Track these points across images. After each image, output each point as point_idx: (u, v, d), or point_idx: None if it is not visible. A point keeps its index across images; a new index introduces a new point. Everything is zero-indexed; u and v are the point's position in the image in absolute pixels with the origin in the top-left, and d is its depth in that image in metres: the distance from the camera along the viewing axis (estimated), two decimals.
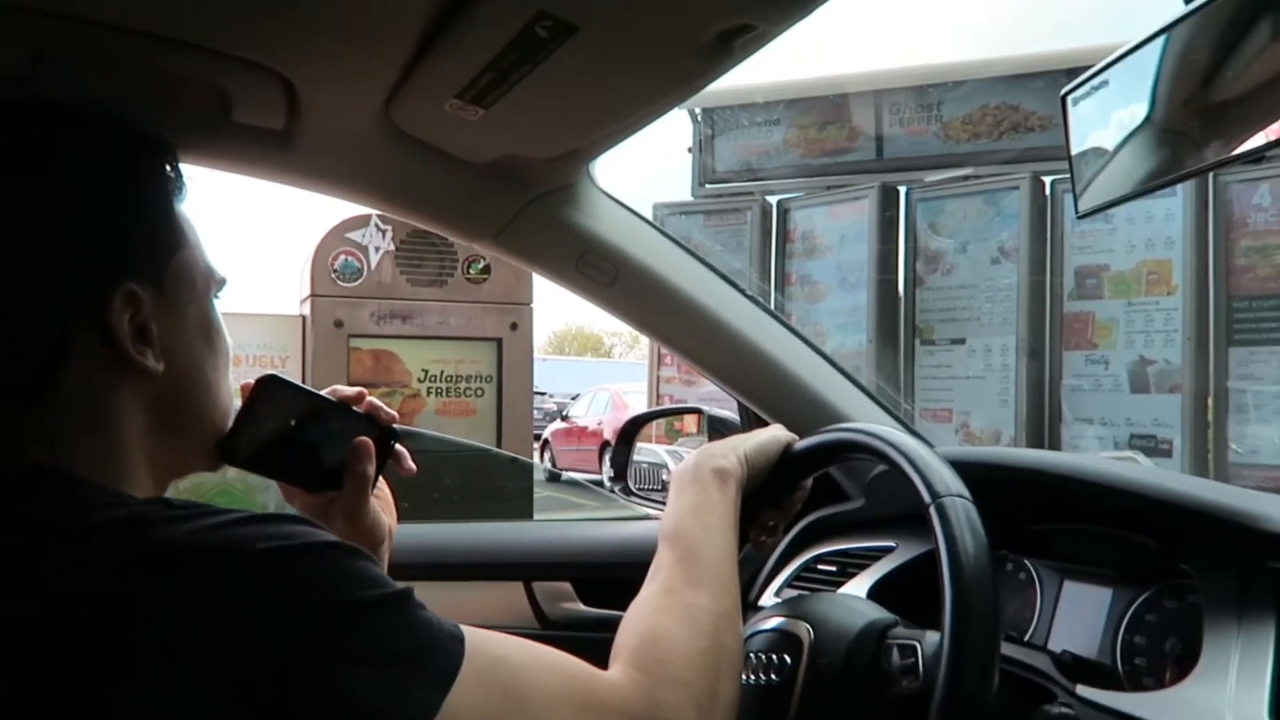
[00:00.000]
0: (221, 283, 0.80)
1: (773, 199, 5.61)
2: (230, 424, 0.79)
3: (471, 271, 3.17)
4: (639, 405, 12.43)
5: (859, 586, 1.24)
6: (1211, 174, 4.49)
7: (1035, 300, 4.79)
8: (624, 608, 1.39)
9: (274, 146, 0.97)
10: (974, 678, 0.71)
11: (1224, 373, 4.40)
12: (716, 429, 1.56)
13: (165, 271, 0.73)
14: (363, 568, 0.63)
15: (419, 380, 3.12)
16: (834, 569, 1.30)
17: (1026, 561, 1.14)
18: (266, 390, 0.83)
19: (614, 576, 1.36)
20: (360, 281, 3.06)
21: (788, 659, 0.87)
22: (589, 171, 1.14)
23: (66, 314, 0.68)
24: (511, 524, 1.44)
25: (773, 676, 0.88)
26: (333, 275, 3.04)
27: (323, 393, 0.88)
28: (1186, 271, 4.44)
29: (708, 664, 0.74)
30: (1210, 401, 4.40)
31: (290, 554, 0.61)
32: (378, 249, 3.04)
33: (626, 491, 1.66)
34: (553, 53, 0.77)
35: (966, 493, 0.80)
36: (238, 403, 0.81)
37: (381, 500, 0.96)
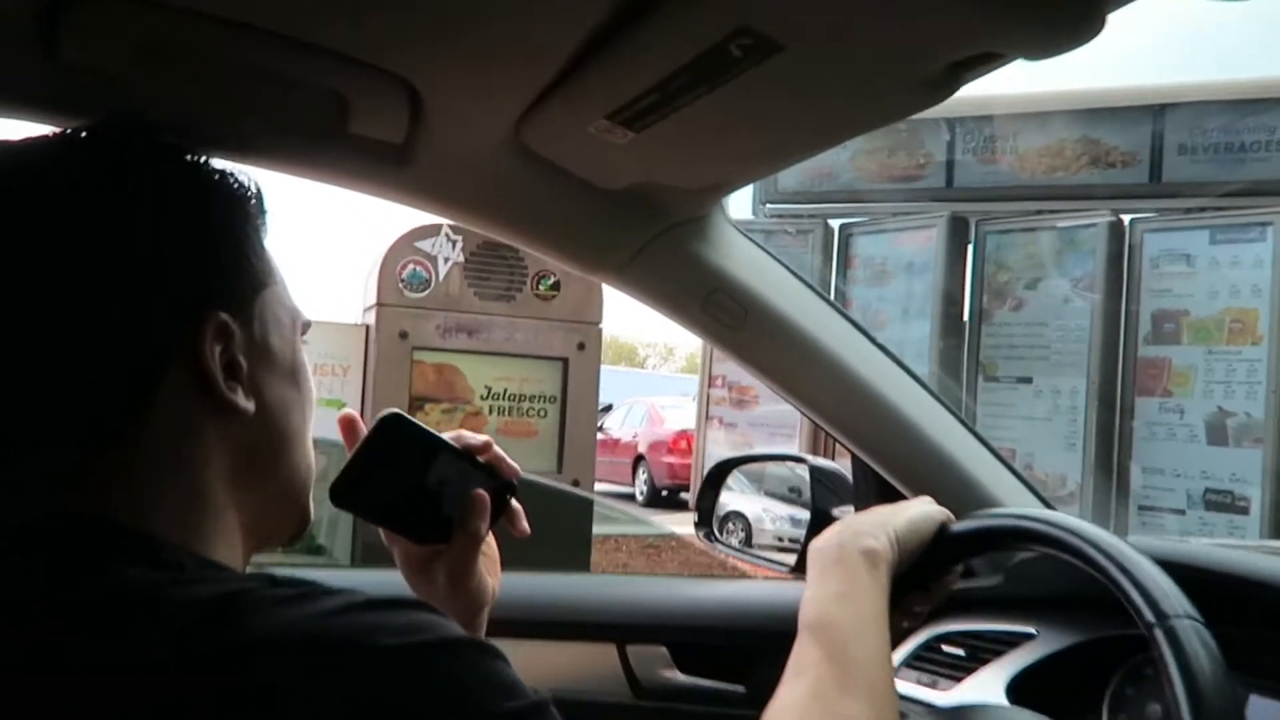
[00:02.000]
0: (306, 325, 0.73)
1: (835, 223, 5.48)
2: (312, 477, 0.71)
3: (541, 288, 3.07)
4: (677, 420, 12.43)
5: (995, 678, 1.11)
6: None
7: (1108, 342, 4.61)
8: (722, 676, 1.29)
9: (391, 161, 0.87)
10: None
11: None
12: (822, 483, 1.43)
13: (253, 306, 0.66)
14: (501, 672, 0.55)
15: (481, 398, 3.01)
16: (963, 653, 1.17)
17: None
18: (388, 429, 0.76)
19: (713, 644, 1.25)
20: (428, 293, 2.97)
21: None
22: (723, 204, 1.03)
23: (163, 340, 0.61)
24: (604, 578, 1.33)
25: None
26: (400, 285, 2.95)
27: (446, 437, 0.81)
28: (1274, 321, 4.24)
29: None
30: None
31: (426, 651, 0.53)
32: (447, 260, 2.94)
33: (711, 539, 1.55)
34: (740, 74, 0.66)
35: (1197, 614, 0.68)
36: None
37: (488, 559, 0.87)
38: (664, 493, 11.64)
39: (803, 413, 1.16)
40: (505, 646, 0.97)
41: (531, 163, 0.89)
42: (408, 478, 0.77)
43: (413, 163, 0.87)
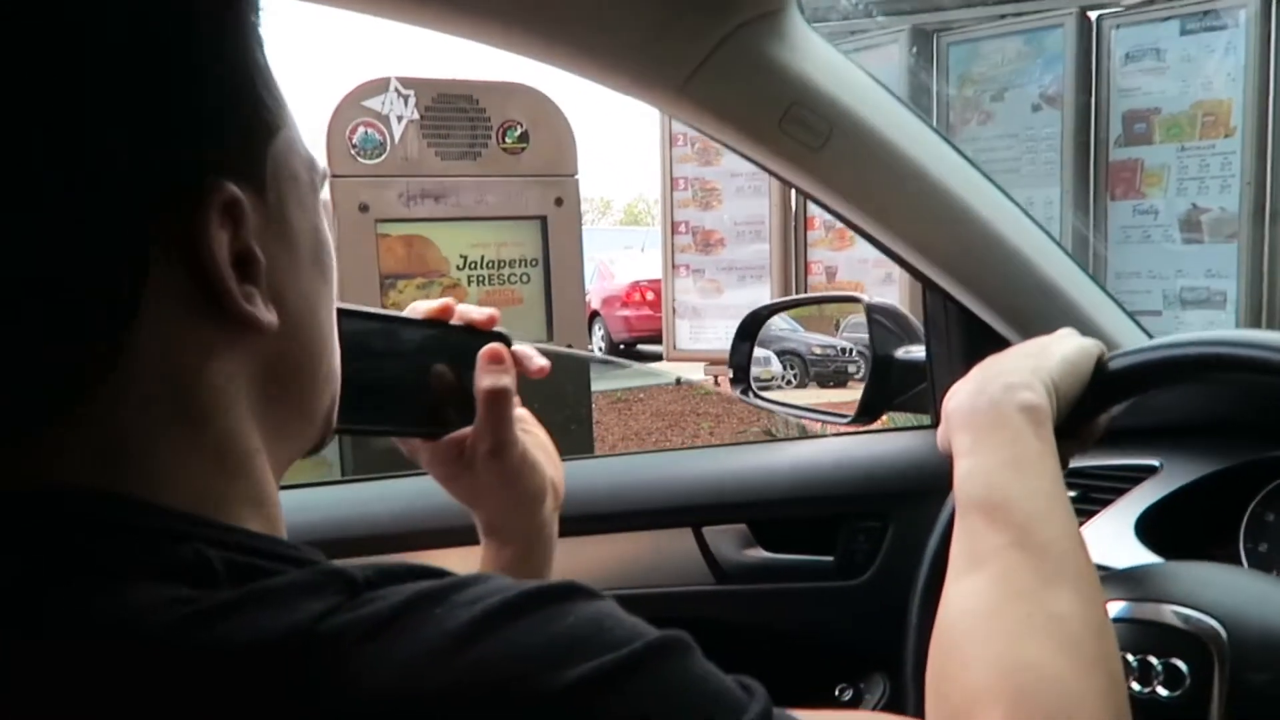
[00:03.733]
0: (324, 176, 0.53)
1: None
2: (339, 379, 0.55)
3: (508, 140, 2.78)
4: (626, 274, 12.26)
5: (1122, 518, 1.00)
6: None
7: (1080, 148, 4.48)
8: (806, 550, 1.18)
9: None
10: None
11: None
12: (882, 324, 1.29)
13: (265, 164, 0.46)
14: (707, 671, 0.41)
15: (458, 268, 2.76)
16: (1075, 494, 1.06)
17: None
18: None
19: (794, 515, 1.13)
20: (384, 157, 2.65)
21: (1184, 668, 0.63)
22: None
23: (140, 232, 0.41)
24: (669, 454, 1.19)
25: (1161, 691, 0.64)
26: (352, 151, 2.63)
27: (401, 314, 0.68)
28: (1247, 110, 4.13)
29: (1112, 714, 0.49)
30: (1267, 249, 4.17)
31: (624, 676, 0.38)
32: (400, 118, 2.62)
33: (749, 393, 1.42)
34: None
35: None
36: None
37: (540, 447, 0.72)
38: (622, 346, 11.60)
39: (887, 246, 1.00)
40: (573, 545, 0.83)
41: None
42: (385, 371, 0.65)
43: None
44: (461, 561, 0.91)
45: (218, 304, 0.42)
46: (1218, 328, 4.29)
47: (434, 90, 2.74)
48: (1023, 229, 1.00)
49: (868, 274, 4.67)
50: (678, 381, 6.78)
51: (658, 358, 6.92)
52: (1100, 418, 0.78)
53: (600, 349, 11.89)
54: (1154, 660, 0.65)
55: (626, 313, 11.62)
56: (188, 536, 0.40)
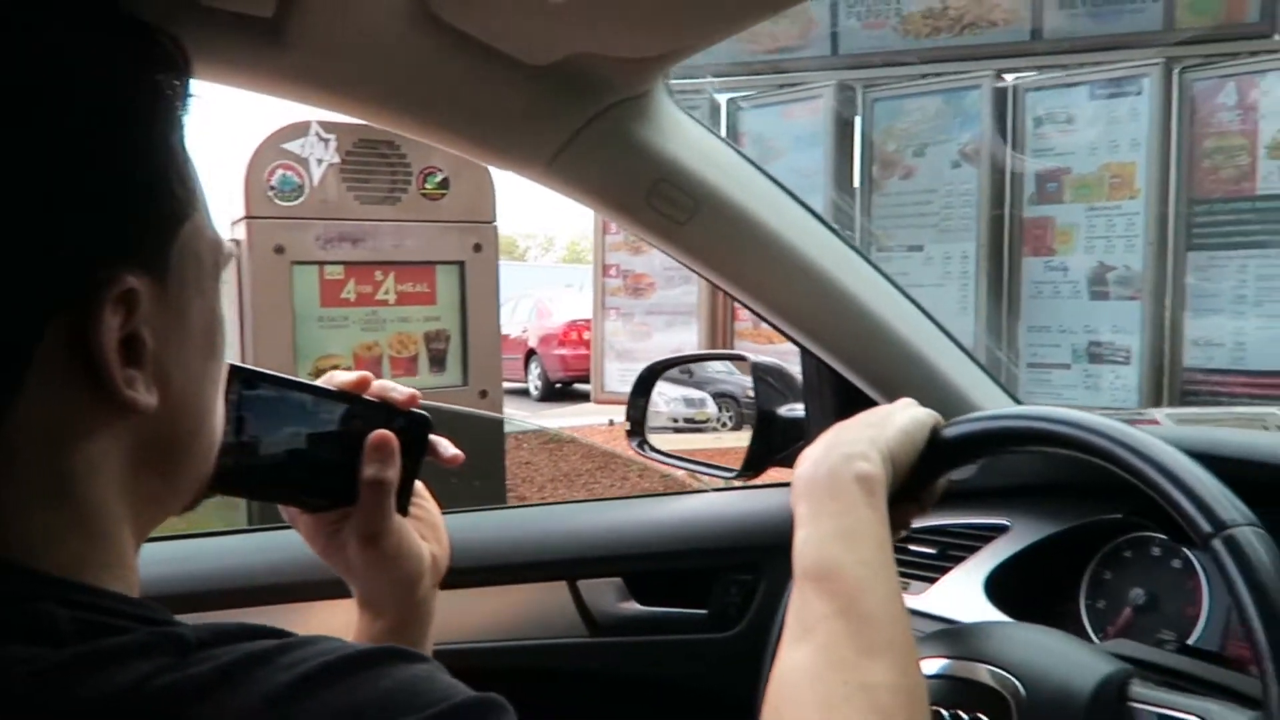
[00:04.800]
0: (228, 258, 0.55)
1: (722, 97, 5.31)
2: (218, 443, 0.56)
3: (428, 186, 2.80)
4: (564, 312, 12.26)
5: (971, 575, 1.06)
6: (1176, 70, 4.37)
7: (995, 205, 4.65)
8: (682, 601, 1.21)
9: (260, 39, 0.68)
10: None
11: (1183, 277, 4.36)
12: (767, 382, 1.34)
13: (170, 253, 0.47)
14: None
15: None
16: (933, 550, 1.11)
17: (1186, 550, 0.97)
18: (231, 388, 0.60)
19: (669, 569, 1.16)
20: (302, 200, 2.65)
21: None
22: (665, 80, 0.88)
23: (34, 318, 0.43)
24: (546, 508, 1.21)
25: None
26: (269, 193, 2.63)
27: (317, 382, 0.67)
28: (1150, 174, 4.34)
29: None
30: (1168, 307, 4.36)
31: None
32: (320, 161, 2.63)
33: (644, 447, 1.45)
34: None
35: (1254, 518, 0.61)
36: None
37: (426, 524, 0.73)
38: (558, 385, 11.58)
39: (756, 312, 1.05)
40: (448, 598, 0.85)
41: (440, 35, 0.72)
42: (277, 437, 0.64)
43: (287, 41, 0.69)
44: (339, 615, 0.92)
45: (100, 386, 0.44)
46: (1123, 382, 4.47)
47: (355, 135, 2.76)
48: (886, 297, 1.06)
49: None
50: (610, 423, 6.79)
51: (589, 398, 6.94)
52: (939, 481, 0.83)
53: (537, 387, 11.85)
54: (964, 715, 0.69)
55: (563, 351, 11.62)
56: (45, 598, 0.41)
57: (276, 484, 0.65)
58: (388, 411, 0.67)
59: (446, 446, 0.71)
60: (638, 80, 0.83)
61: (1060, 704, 0.65)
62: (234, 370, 0.60)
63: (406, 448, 0.67)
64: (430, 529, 0.73)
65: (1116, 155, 4.47)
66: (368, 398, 0.67)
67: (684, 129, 0.92)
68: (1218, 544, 0.60)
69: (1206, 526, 0.60)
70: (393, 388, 0.70)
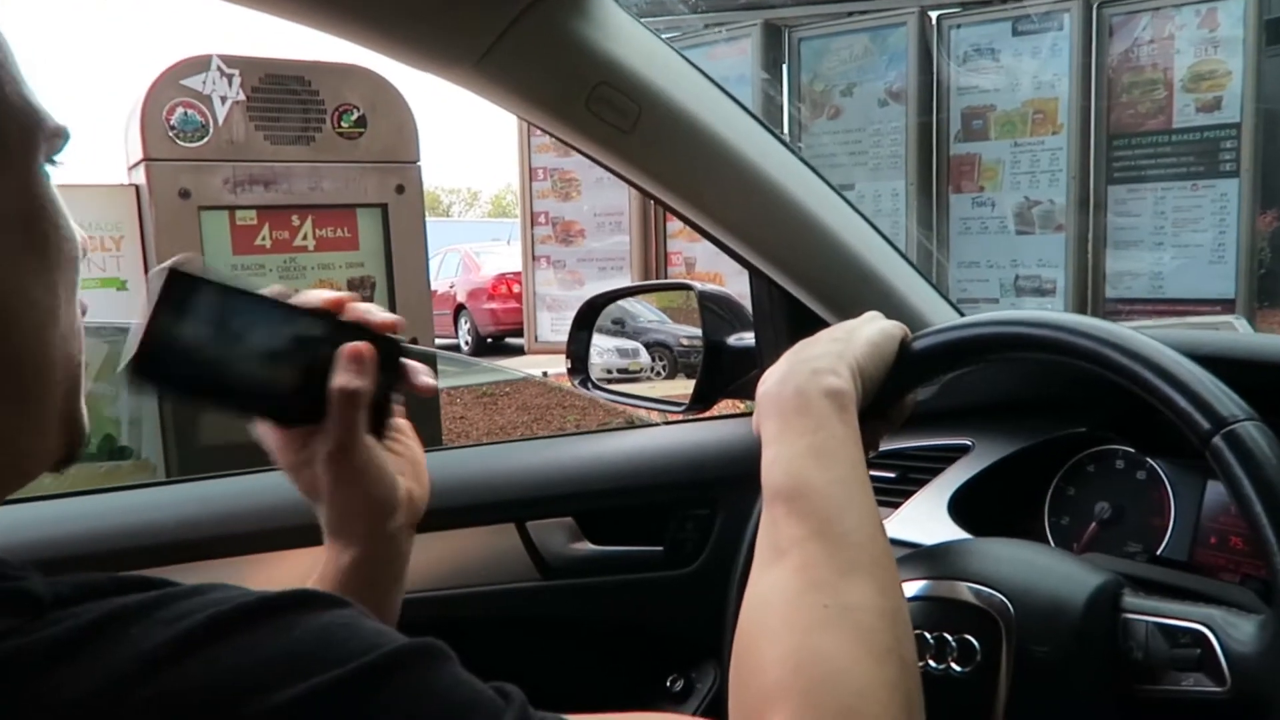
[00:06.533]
0: (58, 135, 0.46)
1: None
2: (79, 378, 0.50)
3: (344, 124, 2.63)
4: (492, 266, 12.07)
5: (935, 497, 1.03)
6: (1095, 4, 4.41)
7: (923, 143, 4.67)
8: (635, 541, 1.16)
9: None
10: None
11: (1104, 210, 4.44)
12: (714, 311, 1.28)
13: None
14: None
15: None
16: (893, 475, 1.08)
17: (1150, 461, 0.95)
18: (180, 286, 0.58)
19: (621, 505, 1.10)
20: (206, 140, 2.47)
21: (976, 643, 0.64)
22: None
23: None
24: (490, 447, 1.14)
25: (955, 667, 0.65)
26: (170, 133, 2.44)
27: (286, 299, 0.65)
28: (1072, 109, 4.39)
29: (900, 701, 0.49)
30: (1090, 239, 4.45)
31: (349, 692, 0.36)
32: (224, 99, 2.44)
33: (587, 384, 1.39)
34: None
35: (1254, 412, 0.58)
36: None
37: (406, 459, 0.70)
38: (489, 340, 11.44)
39: (705, 230, 0.98)
40: None
41: None
42: (248, 349, 0.61)
43: None
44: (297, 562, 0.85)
45: None
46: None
47: (261, 69, 2.57)
48: (840, 214, 1.00)
49: (726, 265, 4.73)
50: (544, 375, 6.73)
51: (523, 350, 6.85)
52: (908, 398, 0.79)
53: (467, 342, 11.67)
54: (949, 637, 0.65)
55: (493, 305, 11.46)
56: None
57: (248, 396, 0.63)
58: (362, 333, 0.65)
59: (421, 374, 0.67)
60: None
61: (1051, 618, 0.61)
62: (208, 281, 0.58)
63: (381, 366, 0.64)
64: (410, 465, 0.70)
65: (1040, 91, 4.51)
66: (343, 319, 0.65)
67: (625, 28, 0.84)
68: (1219, 441, 0.56)
69: (1206, 424, 0.57)
70: (371, 310, 0.66)
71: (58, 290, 0.46)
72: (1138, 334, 0.63)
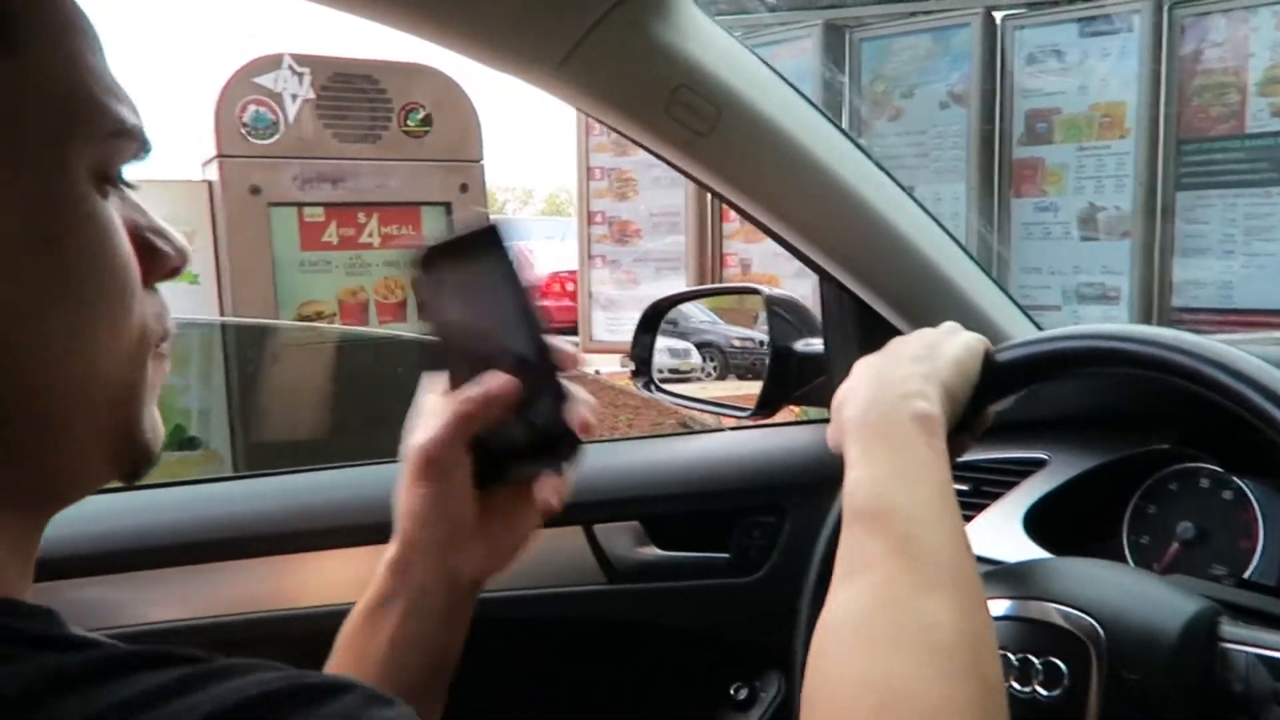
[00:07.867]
0: (141, 147, 0.42)
1: None
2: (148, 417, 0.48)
3: (410, 123, 2.66)
4: (546, 264, 12.12)
5: (1010, 512, 1.01)
6: (1167, 6, 4.29)
7: (985, 147, 4.58)
8: (701, 547, 1.15)
9: None
10: None
11: (1172, 217, 4.32)
12: (781, 316, 1.27)
13: None
14: None
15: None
16: (966, 487, 1.06)
17: (1238, 479, 0.92)
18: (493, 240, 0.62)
19: (689, 510, 1.10)
20: (277, 138, 2.52)
21: (1063, 667, 0.62)
22: None
23: None
24: None
25: (1040, 691, 0.63)
26: (242, 130, 2.50)
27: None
28: (1140, 112, 4.27)
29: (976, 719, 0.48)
30: (1157, 247, 4.33)
31: None
32: (295, 96, 2.49)
33: (650, 386, 1.39)
34: None
35: None
36: None
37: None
38: None
39: (778, 234, 0.97)
40: None
41: None
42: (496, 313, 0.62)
43: None
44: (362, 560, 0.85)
45: None
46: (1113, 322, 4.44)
47: (330, 68, 2.60)
48: (915, 220, 0.99)
49: (783, 267, 4.70)
50: (596, 373, 6.73)
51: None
52: (988, 410, 0.77)
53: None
54: (1034, 659, 0.64)
55: (546, 303, 11.47)
56: None
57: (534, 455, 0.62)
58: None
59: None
60: None
61: (1144, 645, 0.59)
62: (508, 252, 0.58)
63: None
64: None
65: (1107, 94, 4.39)
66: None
67: (705, 31, 0.84)
68: None
69: None
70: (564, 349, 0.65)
71: (97, 323, 0.40)
72: (1233, 349, 0.61)
